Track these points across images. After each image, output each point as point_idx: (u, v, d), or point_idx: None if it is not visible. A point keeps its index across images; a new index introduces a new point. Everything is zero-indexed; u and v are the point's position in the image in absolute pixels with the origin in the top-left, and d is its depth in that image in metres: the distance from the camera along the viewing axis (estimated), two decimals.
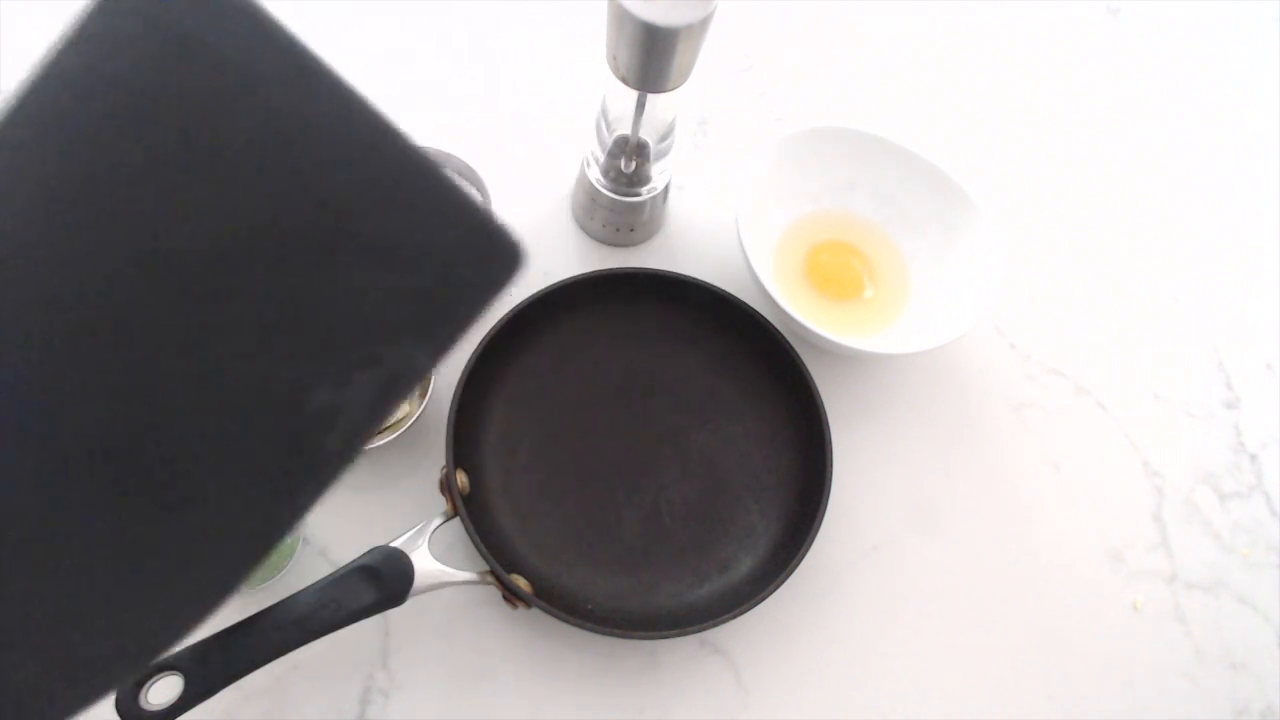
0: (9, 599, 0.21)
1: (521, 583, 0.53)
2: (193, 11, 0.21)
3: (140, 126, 0.20)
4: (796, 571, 0.55)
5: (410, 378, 0.24)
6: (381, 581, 0.48)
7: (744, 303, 0.62)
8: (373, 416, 0.23)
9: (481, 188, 0.63)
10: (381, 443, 0.55)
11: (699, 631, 0.53)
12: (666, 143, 0.61)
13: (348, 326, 0.22)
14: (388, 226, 0.22)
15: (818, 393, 0.60)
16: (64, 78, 0.21)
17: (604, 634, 0.52)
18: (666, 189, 0.65)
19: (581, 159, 0.64)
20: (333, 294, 0.22)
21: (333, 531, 0.56)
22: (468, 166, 0.63)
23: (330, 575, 0.48)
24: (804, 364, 0.61)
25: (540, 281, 0.61)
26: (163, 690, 0.42)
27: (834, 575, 0.59)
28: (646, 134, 0.60)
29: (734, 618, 0.53)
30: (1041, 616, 0.61)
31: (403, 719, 0.53)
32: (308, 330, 0.22)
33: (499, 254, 0.24)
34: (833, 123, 0.66)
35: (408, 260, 0.23)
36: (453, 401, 0.56)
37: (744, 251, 0.60)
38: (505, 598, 0.53)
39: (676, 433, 0.61)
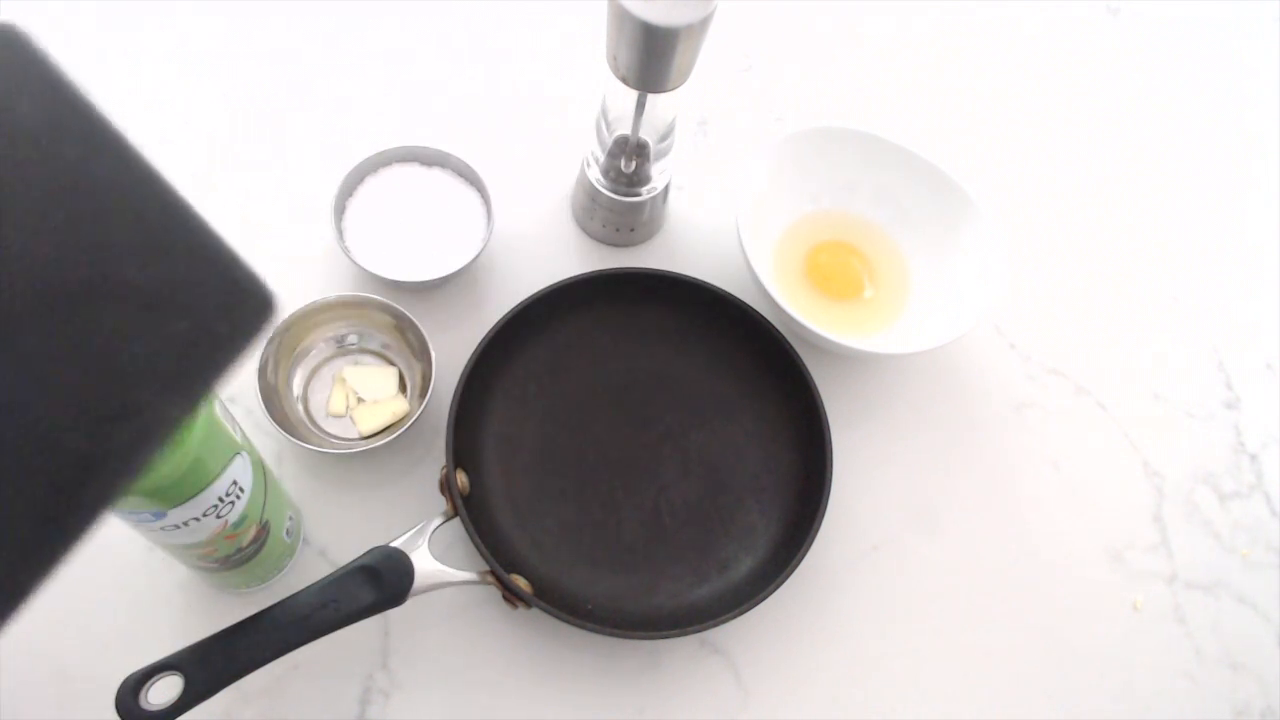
0: None
1: (521, 583, 0.53)
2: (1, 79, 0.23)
3: None
4: (796, 571, 0.55)
5: (165, 430, 0.24)
6: (381, 581, 0.48)
7: (744, 303, 0.62)
8: (129, 468, 0.24)
9: (482, 188, 0.63)
10: (381, 443, 0.55)
11: (699, 631, 0.53)
12: (666, 143, 0.61)
13: (108, 374, 0.23)
14: (148, 276, 0.23)
15: (818, 393, 0.60)
16: None
17: (604, 634, 0.52)
18: (666, 189, 0.65)
19: (581, 159, 0.64)
20: (94, 341, 0.22)
21: (333, 531, 0.56)
22: (468, 166, 0.63)
23: (330, 575, 0.48)
24: (804, 364, 0.61)
25: (540, 281, 0.61)
26: (163, 690, 0.42)
27: (834, 575, 0.59)
28: (646, 134, 0.60)
29: (734, 618, 0.53)
30: (1041, 616, 0.61)
31: (402, 719, 0.53)
32: (70, 376, 0.22)
33: (251, 305, 0.25)
34: (833, 123, 0.66)
35: (165, 310, 0.23)
36: (453, 401, 0.56)
37: (744, 251, 0.60)
38: (505, 598, 0.53)
39: (676, 433, 0.61)
